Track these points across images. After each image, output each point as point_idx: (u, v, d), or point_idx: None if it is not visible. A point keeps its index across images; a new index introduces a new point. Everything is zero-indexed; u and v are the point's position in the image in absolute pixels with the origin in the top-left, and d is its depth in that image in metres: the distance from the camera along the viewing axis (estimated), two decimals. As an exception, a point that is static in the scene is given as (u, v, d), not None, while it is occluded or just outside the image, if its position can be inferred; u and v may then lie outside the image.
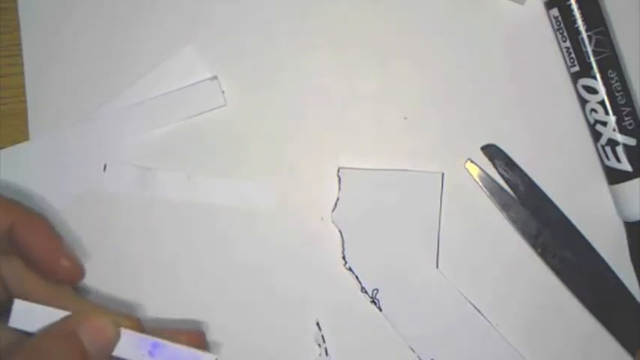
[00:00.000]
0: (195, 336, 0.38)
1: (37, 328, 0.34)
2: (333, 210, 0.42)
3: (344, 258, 0.42)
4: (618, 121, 0.40)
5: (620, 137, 0.40)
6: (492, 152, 0.42)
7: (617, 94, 0.40)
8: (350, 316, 0.42)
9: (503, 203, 0.42)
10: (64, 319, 0.34)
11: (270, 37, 0.43)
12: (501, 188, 0.42)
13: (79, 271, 0.36)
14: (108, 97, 0.43)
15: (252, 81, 0.43)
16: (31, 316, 0.34)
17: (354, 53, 0.43)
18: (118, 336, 0.34)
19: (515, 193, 0.42)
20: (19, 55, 0.43)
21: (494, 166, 0.42)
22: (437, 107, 0.43)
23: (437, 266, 0.42)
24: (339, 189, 0.42)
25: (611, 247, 0.42)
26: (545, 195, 0.42)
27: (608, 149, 0.40)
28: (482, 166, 0.42)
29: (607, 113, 0.40)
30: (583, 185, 0.42)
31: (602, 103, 0.40)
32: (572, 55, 0.40)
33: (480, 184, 0.42)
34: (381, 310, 0.42)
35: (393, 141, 0.43)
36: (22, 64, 0.43)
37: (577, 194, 0.42)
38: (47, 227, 0.36)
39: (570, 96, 0.42)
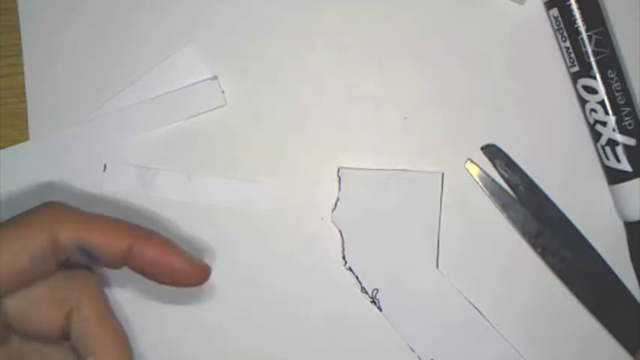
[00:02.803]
0: None
1: None
2: (333, 210, 0.42)
3: (344, 258, 0.42)
4: (618, 121, 0.40)
5: (619, 137, 0.40)
6: (492, 152, 0.42)
7: (617, 94, 0.40)
8: (350, 316, 0.42)
9: (503, 203, 0.42)
10: None
11: (270, 37, 0.43)
12: (501, 188, 0.42)
13: (204, 272, 0.36)
14: (108, 97, 0.43)
15: (252, 81, 0.43)
16: None
17: (354, 53, 0.43)
18: None
19: (515, 193, 0.42)
20: (19, 55, 0.43)
21: (494, 166, 0.42)
22: (437, 107, 0.43)
23: (437, 266, 0.42)
24: (339, 189, 0.42)
25: (611, 247, 0.42)
26: (545, 195, 0.42)
27: (607, 149, 0.40)
28: (482, 166, 0.42)
29: (607, 113, 0.40)
30: (583, 185, 0.42)
31: (601, 103, 0.40)
32: (572, 55, 0.40)
33: (480, 184, 0.42)
34: (381, 310, 0.42)
35: (393, 141, 0.43)
36: (22, 64, 0.43)
37: (577, 194, 0.42)
38: (162, 240, 0.35)
39: (570, 96, 0.42)
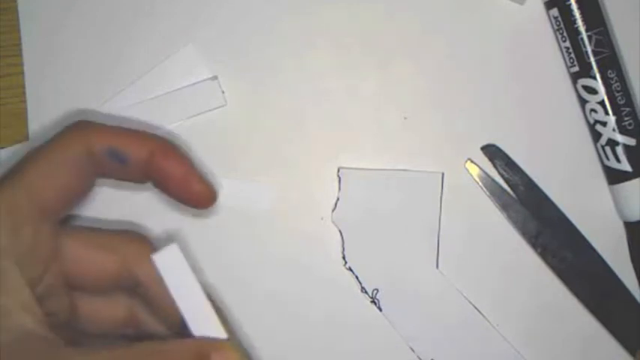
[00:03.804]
0: None
1: (172, 284, 0.32)
2: (333, 210, 0.42)
3: (344, 258, 0.42)
4: (618, 121, 0.40)
5: (619, 137, 0.40)
6: (492, 152, 0.42)
7: (617, 94, 0.40)
8: (350, 316, 0.42)
9: (503, 203, 0.42)
10: (203, 341, 0.33)
11: (270, 37, 0.43)
12: (501, 188, 0.42)
13: (211, 195, 0.36)
14: (108, 97, 0.43)
15: (252, 81, 0.43)
16: (176, 267, 0.32)
17: (354, 53, 0.43)
18: None
19: (515, 193, 0.42)
20: (19, 55, 0.43)
21: (494, 166, 0.42)
22: (437, 107, 0.43)
23: (437, 266, 0.42)
24: (339, 189, 0.42)
25: (611, 247, 0.42)
26: (545, 195, 0.42)
27: (607, 149, 0.40)
28: (482, 166, 0.42)
29: (607, 113, 0.40)
30: (583, 185, 0.42)
31: (601, 103, 0.40)
32: (572, 55, 0.40)
33: (480, 184, 0.42)
34: (381, 310, 0.42)
35: (393, 141, 0.43)
36: (22, 64, 0.43)
37: (577, 194, 0.42)
38: (182, 155, 0.36)
39: (570, 96, 0.42)
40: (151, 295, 0.35)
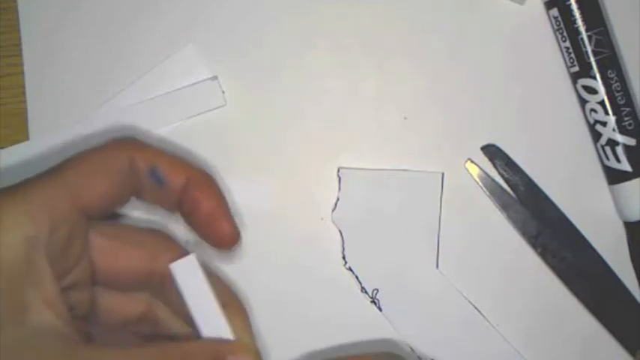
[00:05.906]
0: None
1: (188, 293, 0.33)
2: (333, 210, 0.42)
3: (344, 258, 0.42)
4: (618, 121, 0.40)
5: (619, 137, 0.40)
6: (492, 152, 0.42)
7: (617, 94, 0.40)
8: (350, 316, 0.42)
9: (503, 203, 0.42)
10: (219, 344, 0.33)
11: (270, 37, 0.43)
12: (501, 188, 0.42)
13: (234, 237, 0.36)
14: (108, 97, 0.43)
15: (252, 81, 0.43)
16: (192, 277, 0.33)
17: (354, 53, 0.43)
18: None
19: (515, 193, 0.42)
20: (19, 55, 0.43)
21: (494, 166, 0.42)
22: (437, 107, 0.43)
23: (437, 266, 0.42)
24: (339, 189, 0.42)
25: (611, 247, 0.42)
26: (545, 195, 0.42)
27: (607, 149, 0.40)
28: (482, 166, 0.42)
29: (607, 113, 0.40)
30: (583, 185, 0.42)
31: (601, 103, 0.40)
32: (572, 55, 0.40)
33: (480, 184, 0.42)
34: (381, 310, 0.42)
35: (393, 141, 0.43)
36: (22, 64, 0.43)
37: (577, 194, 0.42)
38: (217, 189, 0.36)
39: (570, 96, 0.42)
40: (175, 291, 0.35)
